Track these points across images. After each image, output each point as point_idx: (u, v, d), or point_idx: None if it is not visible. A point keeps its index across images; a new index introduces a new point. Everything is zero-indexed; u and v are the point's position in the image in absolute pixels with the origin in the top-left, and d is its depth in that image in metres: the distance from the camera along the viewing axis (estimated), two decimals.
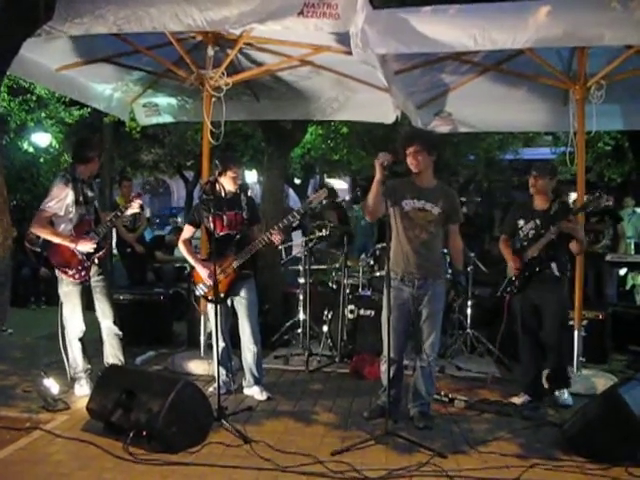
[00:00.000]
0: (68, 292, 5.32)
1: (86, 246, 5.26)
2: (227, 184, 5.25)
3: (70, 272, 5.29)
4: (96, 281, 5.44)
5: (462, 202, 15.40)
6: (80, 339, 5.39)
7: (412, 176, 4.82)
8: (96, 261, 5.40)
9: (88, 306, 5.48)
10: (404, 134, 4.87)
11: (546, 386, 5.33)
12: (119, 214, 5.59)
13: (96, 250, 5.35)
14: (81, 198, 5.33)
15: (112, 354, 5.52)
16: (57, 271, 5.35)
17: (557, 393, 5.22)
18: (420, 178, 4.77)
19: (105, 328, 5.51)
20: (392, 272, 4.70)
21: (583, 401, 4.80)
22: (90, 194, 5.46)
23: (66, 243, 5.24)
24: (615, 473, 3.86)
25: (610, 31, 4.33)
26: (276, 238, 5.19)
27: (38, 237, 11.35)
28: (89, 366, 5.43)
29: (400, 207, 4.71)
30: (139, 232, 9.28)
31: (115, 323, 5.51)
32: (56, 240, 5.27)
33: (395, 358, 4.72)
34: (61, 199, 5.24)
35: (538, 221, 5.22)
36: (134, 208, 5.56)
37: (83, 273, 5.32)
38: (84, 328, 5.39)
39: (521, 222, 5.34)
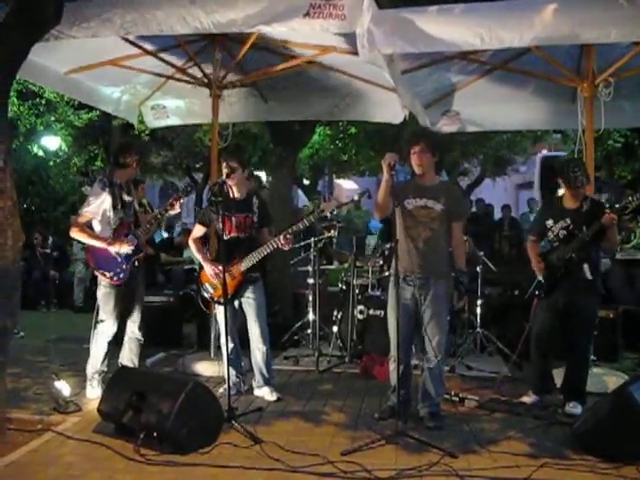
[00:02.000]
0: (105, 294, 5.36)
1: (123, 248, 5.30)
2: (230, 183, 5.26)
3: (108, 274, 5.33)
4: (137, 284, 5.52)
5: (471, 201, 15.45)
6: (108, 342, 5.43)
7: (415, 176, 4.84)
8: (136, 263, 5.44)
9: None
10: (410, 133, 4.88)
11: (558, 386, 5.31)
12: (160, 216, 5.64)
13: (135, 252, 5.39)
14: (119, 202, 5.38)
15: (128, 357, 5.55)
16: (96, 273, 5.41)
17: (569, 405, 5.00)
18: (423, 178, 4.79)
19: (129, 331, 5.56)
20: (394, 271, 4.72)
21: (594, 400, 4.78)
22: (128, 198, 5.50)
23: (103, 245, 5.29)
24: (626, 472, 3.84)
25: (617, 28, 4.31)
26: (285, 245, 5.18)
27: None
28: (105, 369, 5.46)
29: (403, 206, 4.72)
30: (149, 234, 9.30)
31: (140, 329, 5.56)
32: (94, 243, 5.33)
33: (401, 358, 4.72)
34: (98, 204, 5.30)
35: (569, 220, 5.05)
36: (175, 209, 5.58)
37: (121, 275, 5.35)
38: (115, 331, 5.43)
39: (550, 222, 5.18)
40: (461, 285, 4.66)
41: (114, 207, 5.34)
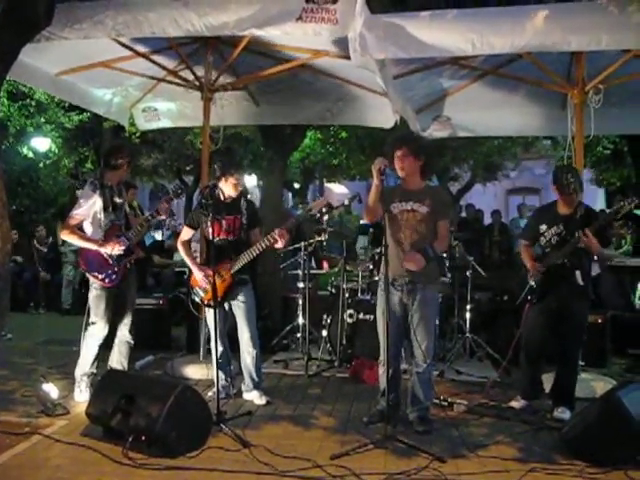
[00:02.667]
0: (97, 296, 5.33)
1: (115, 249, 5.28)
2: (228, 189, 5.26)
3: (100, 277, 5.30)
4: (128, 287, 5.51)
5: (461, 207, 15.48)
6: (99, 345, 5.40)
7: (400, 181, 4.84)
8: (128, 265, 5.43)
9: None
10: (392, 138, 4.87)
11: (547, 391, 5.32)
12: (150, 219, 5.62)
13: (126, 254, 5.38)
14: (110, 204, 5.37)
15: (118, 360, 5.53)
16: (88, 275, 5.38)
17: (558, 410, 5.02)
18: (407, 182, 4.79)
19: (120, 335, 5.53)
20: (384, 276, 4.73)
21: (582, 405, 4.80)
22: (118, 200, 5.49)
23: (94, 247, 5.27)
24: (614, 477, 3.86)
25: (608, 35, 4.34)
26: (280, 240, 5.14)
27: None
28: (94, 371, 5.43)
29: (390, 211, 4.73)
30: (140, 237, 9.25)
31: (131, 331, 5.54)
32: (85, 245, 5.31)
33: (391, 362, 4.71)
34: (89, 206, 5.28)
35: (562, 226, 5.06)
36: (165, 212, 5.57)
37: (114, 277, 5.33)
38: (106, 333, 5.40)
39: (543, 227, 5.18)
40: (425, 253, 4.53)
41: (105, 209, 5.33)
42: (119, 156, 5.47)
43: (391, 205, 4.74)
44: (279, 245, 5.20)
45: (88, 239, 5.31)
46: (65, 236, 5.35)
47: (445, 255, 7.12)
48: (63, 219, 5.82)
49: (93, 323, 5.34)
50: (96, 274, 5.31)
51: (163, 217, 5.64)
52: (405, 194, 4.76)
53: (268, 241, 5.16)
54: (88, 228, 5.35)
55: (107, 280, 5.31)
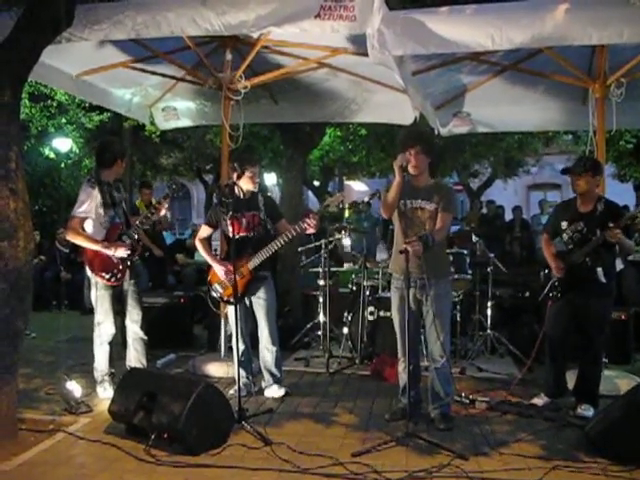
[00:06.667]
0: (101, 296, 5.34)
1: (119, 251, 5.26)
2: (245, 184, 5.28)
3: (107, 276, 5.31)
4: (129, 284, 5.49)
5: (481, 203, 15.38)
6: (109, 343, 5.43)
7: (410, 178, 4.80)
8: (128, 263, 5.43)
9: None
10: (404, 135, 4.84)
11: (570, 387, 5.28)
12: (149, 216, 5.61)
13: (130, 253, 5.38)
14: (109, 201, 5.37)
15: (135, 358, 5.55)
16: (92, 275, 5.36)
17: (581, 407, 4.98)
18: (417, 179, 4.78)
19: (131, 332, 5.54)
20: (394, 272, 4.77)
21: (606, 402, 4.75)
22: (117, 196, 5.48)
23: (102, 249, 5.25)
24: (638, 475, 3.81)
25: (629, 28, 4.28)
26: (311, 224, 5.13)
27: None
28: (112, 370, 5.47)
29: (399, 208, 4.71)
30: (164, 231, 9.25)
31: (142, 328, 5.55)
32: (92, 247, 5.27)
33: (410, 359, 4.70)
34: (90, 202, 5.27)
35: (583, 224, 5.01)
36: (163, 210, 5.58)
37: (119, 276, 5.35)
38: (114, 332, 5.43)
39: (564, 224, 5.14)
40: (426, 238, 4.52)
41: (105, 205, 5.31)
42: (111, 152, 5.45)
43: (401, 202, 4.72)
44: (311, 230, 5.22)
45: (93, 240, 5.26)
46: (70, 237, 5.31)
47: (466, 252, 7.13)
48: None
49: (99, 323, 5.35)
50: (102, 274, 5.30)
51: (163, 213, 5.64)
52: (413, 191, 4.75)
53: (298, 229, 5.17)
54: (89, 226, 5.32)
55: (113, 279, 5.32)
